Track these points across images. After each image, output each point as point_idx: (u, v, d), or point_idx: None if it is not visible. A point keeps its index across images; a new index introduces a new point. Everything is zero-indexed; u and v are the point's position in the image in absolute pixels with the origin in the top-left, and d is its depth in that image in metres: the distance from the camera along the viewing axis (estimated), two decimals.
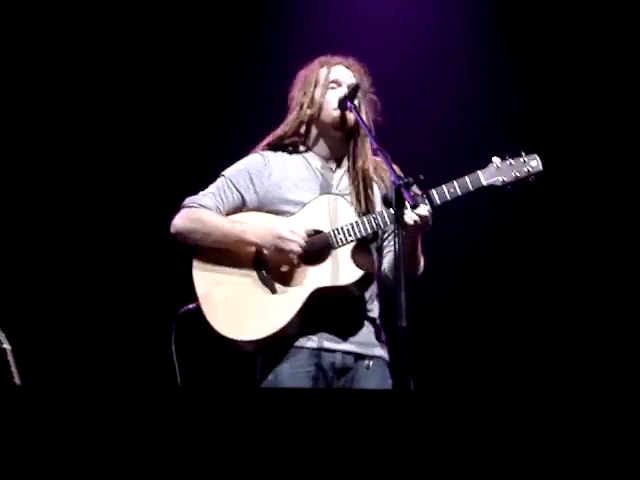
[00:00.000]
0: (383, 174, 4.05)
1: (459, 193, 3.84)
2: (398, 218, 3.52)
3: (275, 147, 4.10)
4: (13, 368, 4.37)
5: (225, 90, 5.87)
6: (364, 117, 4.01)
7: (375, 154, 3.94)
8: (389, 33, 5.82)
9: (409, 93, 5.64)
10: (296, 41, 5.65)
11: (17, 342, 4.52)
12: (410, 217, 3.72)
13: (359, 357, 3.96)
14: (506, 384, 5.50)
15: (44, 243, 5.84)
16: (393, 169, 3.64)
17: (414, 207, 3.60)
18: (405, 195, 3.53)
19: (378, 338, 4.02)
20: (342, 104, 3.99)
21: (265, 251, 3.97)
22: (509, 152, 3.88)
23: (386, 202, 3.73)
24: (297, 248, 3.90)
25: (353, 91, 3.98)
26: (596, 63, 5.79)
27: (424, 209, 3.76)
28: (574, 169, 5.74)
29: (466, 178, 3.85)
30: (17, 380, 4.30)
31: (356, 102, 3.99)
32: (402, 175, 3.64)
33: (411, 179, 3.60)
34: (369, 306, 4.02)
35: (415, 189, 3.66)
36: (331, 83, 4.06)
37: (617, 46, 5.76)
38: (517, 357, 5.72)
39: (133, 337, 5.75)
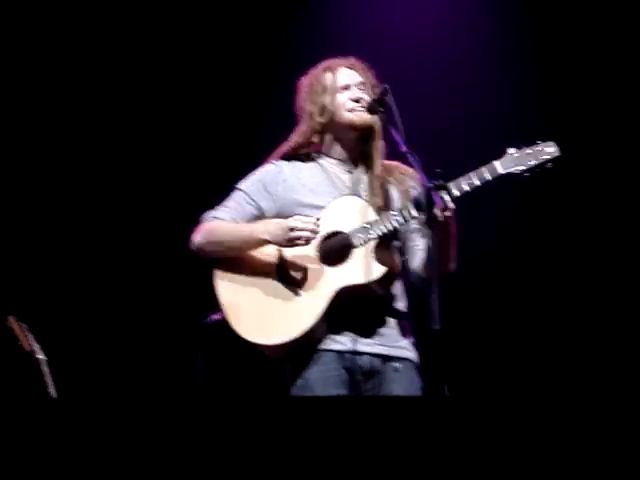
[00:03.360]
0: (397, 176, 4.05)
1: (477, 183, 3.79)
2: (431, 221, 3.53)
3: (289, 157, 4.09)
4: (48, 378, 4.39)
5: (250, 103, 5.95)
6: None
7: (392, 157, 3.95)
8: (404, 31, 5.84)
9: (422, 91, 5.61)
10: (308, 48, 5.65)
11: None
12: (441, 214, 3.69)
13: (387, 359, 3.92)
14: (543, 388, 5.48)
15: (72, 255, 5.94)
16: (423, 172, 3.65)
17: (444, 210, 3.64)
18: (435, 198, 3.57)
19: (406, 339, 3.98)
20: (372, 108, 3.94)
21: (282, 254, 3.95)
22: (524, 143, 3.84)
23: (418, 205, 3.72)
24: (308, 234, 3.87)
25: (382, 95, 3.90)
26: (617, 56, 5.76)
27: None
28: (590, 164, 5.71)
29: (482, 169, 3.82)
30: (52, 390, 4.32)
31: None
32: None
33: (441, 182, 3.62)
34: (395, 306, 3.99)
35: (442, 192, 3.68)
36: (339, 87, 4.03)
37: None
38: (554, 358, 5.71)
39: (158, 350, 5.79)
